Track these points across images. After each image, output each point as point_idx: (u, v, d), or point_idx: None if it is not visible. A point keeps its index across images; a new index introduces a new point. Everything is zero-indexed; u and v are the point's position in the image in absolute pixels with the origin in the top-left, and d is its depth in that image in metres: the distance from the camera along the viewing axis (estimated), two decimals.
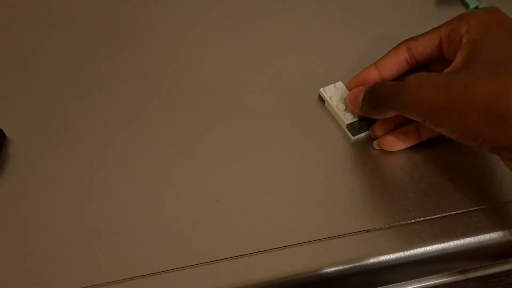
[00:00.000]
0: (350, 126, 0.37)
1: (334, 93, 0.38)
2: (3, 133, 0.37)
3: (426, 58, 0.34)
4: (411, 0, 0.48)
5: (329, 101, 0.38)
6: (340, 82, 0.39)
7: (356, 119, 0.37)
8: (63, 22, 0.46)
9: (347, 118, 0.37)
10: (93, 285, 0.30)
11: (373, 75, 0.36)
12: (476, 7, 0.46)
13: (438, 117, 0.29)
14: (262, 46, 0.44)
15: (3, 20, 0.46)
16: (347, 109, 0.37)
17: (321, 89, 0.39)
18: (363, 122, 0.37)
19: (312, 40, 0.44)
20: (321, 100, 0.39)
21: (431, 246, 0.32)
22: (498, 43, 0.29)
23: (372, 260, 0.31)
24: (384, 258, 0.31)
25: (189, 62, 0.42)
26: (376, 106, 0.33)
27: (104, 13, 0.47)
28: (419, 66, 0.35)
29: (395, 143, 0.36)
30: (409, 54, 0.35)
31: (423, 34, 0.34)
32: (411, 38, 0.35)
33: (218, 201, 0.34)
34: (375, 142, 0.36)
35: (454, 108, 0.28)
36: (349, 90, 0.37)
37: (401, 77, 0.36)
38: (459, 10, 0.47)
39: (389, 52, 0.36)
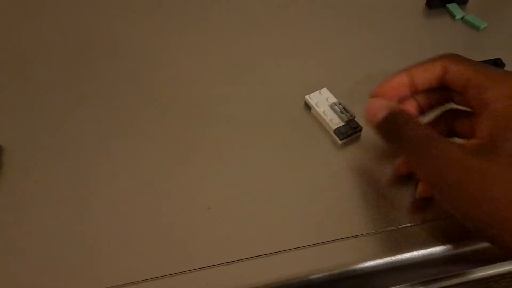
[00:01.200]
0: (338, 131, 0.37)
1: (319, 100, 0.39)
2: None
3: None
4: (398, 8, 0.49)
5: (315, 108, 0.39)
6: (325, 88, 0.40)
7: (342, 124, 0.38)
8: (58, 31, 0.46)
9: (334, 123, 0.38)
10: None
11: (404, 88, 0.34)
12: (462, 18, 0.47)
13: (447, 193, 0.28)
14: (249, 55, 0.44)
15: (3, 28, 0.47)
16: (333, 114, 0.38)
17: (306, 96, 0.40)
18: (350, 125, 0.38)
19: (299, 48, 0.45)
20: (307, 107, 0.40)
21: (418, 251, 0.32)
22: None
23: (360, 266, 0.32)
24: (372, 263, 0.32)
25: (179, 72, 0.43)
26: (388, 139, 0.32)
27: (100, 23, 0.47)
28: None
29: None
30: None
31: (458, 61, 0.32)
32: (451, 58, 0.33)
33: (209, 208, 0.34)
34: (417, 193, 0.35)
35: (468, 190, 0.26)
36: (373, 96, 0.35)
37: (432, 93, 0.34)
38: (446, 20, 0.48)
39: (425, 63, 0.33)
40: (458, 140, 0.33)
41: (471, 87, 0.30)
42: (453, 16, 0.48)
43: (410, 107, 0.35)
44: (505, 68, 0.42)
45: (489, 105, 0.29)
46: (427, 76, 0.33)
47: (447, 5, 0.48)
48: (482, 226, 0.26)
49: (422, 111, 0.35)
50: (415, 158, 0.30)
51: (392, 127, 0.31)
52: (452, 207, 0.28)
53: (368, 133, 0.38)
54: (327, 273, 0.31)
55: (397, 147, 0.31)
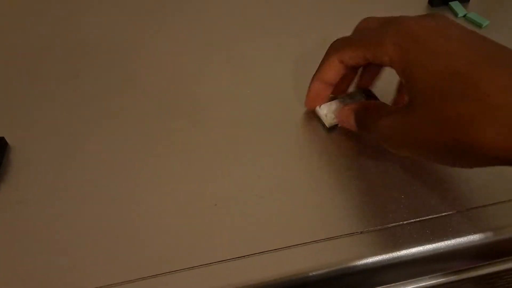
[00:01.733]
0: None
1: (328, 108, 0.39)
2: (5, 140, 0.37)
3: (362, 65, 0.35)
4: (401, 6, 0.49)
5: (323, 117, 0.39)
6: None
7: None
8: (64, 32, 0.47)
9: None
10: (98, 287, 0.30)
11: (324, 89, 0.37)
12: (464, 16, 0.48)
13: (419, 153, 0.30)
14: (254, 56, 0.45)
15: (4, 28, 0.47)
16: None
17: (317, 108, 0.39)
18: None
19: (302, 45, 0.45)
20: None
21: (423, 247, 0.32)
22: (423, 69, 0.29)
23: (365, 261, 0.32)
24: (377, 259, 0.32)
25: (184, 71, 0.43)
26: (366, 131, 0.34)
27: (102, 27, 0.48)
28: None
29: None
30: (344, 64, 0.35)
31: (350, 46, 0.34)
32: (340, 49, 0.35)
33: (216, 204, 0.34)
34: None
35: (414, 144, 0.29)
36: (309, 109, 0.39)
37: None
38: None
39: (323, 63, 0.36)
40: None
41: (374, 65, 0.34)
42: (455, 14, 0.48)
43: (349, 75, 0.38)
44: None
45: (397, 72, 0.31)
46: (355, 60, 0.34)
47: (450, 3, 0.48)
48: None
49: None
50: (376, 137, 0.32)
51: (363, 125, 0.34)
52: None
53: None
54: (333, 269, 0.32)
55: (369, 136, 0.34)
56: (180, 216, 0.34)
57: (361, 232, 0.33)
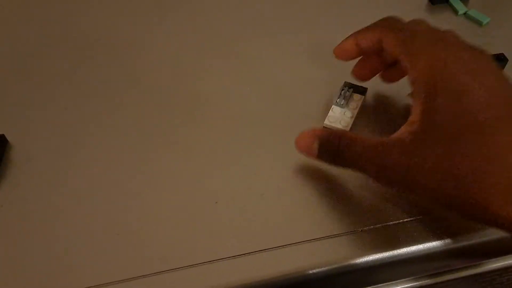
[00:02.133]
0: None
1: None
2: (5, 138, 0.37)
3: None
4: (401, 3, 0.49)
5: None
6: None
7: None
8: (64, 29, 0.47)
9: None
10: (93, 286, 0.30)
11: (351, 51, 0.36)
12: (464, 13, 0.47)
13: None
14: (254, 53, 0.45)
15: (5, 24, 0.47)
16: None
17: (326, 122, 0.39)
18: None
19: (304, 44, 0.45)
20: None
21: (422, 245, 0.32)
22: (449, 99, 0.27)
23: (363, 260, 0.32)
24: (375, 257, 0.32)
25: (185, 68, 0.43)
26: (340, 165, 0.32)
27: (102, 24, 0.47)
28: None
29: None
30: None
31: (392, 29, 0.33)
32: (387, 25, 0.34)
33: (216, 202, 0.34)
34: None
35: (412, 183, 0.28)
36: (337, 58, 0.38)
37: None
38: (449, 15, 0.48)
39: (370, 26, 0.35)
40: None
41: (400, 64, 0.32)
42: (455, 12, 0.48)
43: (373, 62, 0.37)
44: (508, 63, 0.42)
45: (413, 85, 0.30)
46: (368, 41, 0.34)
47: (450, 0, 0.48)
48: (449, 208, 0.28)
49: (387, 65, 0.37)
50: (364, 171, 0.30)
51: (332, 155, 0.32)
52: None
53: (368, 125, 0.39)
54: (327, 268, 0.32)
55: (346, 168, 0.32)
56: (181, 214, 0.34)
57: (361, 230, 0.33)
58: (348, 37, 0.36)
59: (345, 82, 0.40)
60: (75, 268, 0.31)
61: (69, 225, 0.33)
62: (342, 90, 0.40)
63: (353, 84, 0.40)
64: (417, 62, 0.29)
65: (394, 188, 0.32)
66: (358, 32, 0.35)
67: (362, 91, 0.40)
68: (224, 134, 0.38)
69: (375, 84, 0.40)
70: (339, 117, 0.38)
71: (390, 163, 0.28)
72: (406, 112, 0.35)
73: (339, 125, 0.38)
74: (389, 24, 0.34)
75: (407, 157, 0.27)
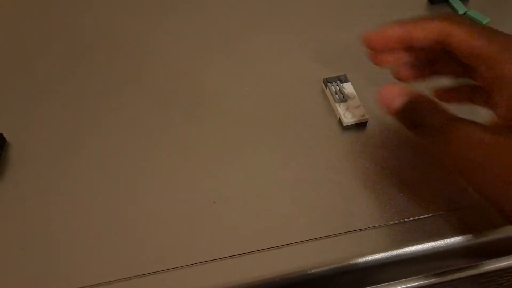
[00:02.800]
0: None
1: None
2: (3, 137, 0.37)
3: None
4: (401, 3, 0.49)
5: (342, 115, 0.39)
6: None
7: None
8: (63, 28, 0.46)
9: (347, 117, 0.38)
10: (92, 285, 0.30)
11: (395, 41, 0.32)
12: (464, 13, 0.47)
13: (472, 176, 0.27)
14: (254, 50, 0.45)
15: (4, 23, 0.47)
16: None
17: (345, 121, 0.38)
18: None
19: (301, 42, 0.45)
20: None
21: (423, 245, 0.32)
22: None
23: (364, 259, 0.32)
24: (376, 257, 0.32)
25: (185, 67, 0.43)
26: (412, 128, 0.30)
27: (101, 22, 0.47)
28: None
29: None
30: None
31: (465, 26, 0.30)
32: (455, 20, 0.30)
33: (215, 202, 0.34)
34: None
35: (493, 170, 0.26)
36: (365, 43, 0.34)
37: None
38: None
39: (424, 19, 0.31)
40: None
41: (480, 60, 0.28)
42: (455, 12, 0.48)
43: (404, 68, 0.35)
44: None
45: (505, 82, 0.27)
46: (424, 35, 0.31)
47: (450, 0, 0.48)
48: (509, 209, 0.26)
49: (419, 75, 0.35)
50: (439, 145, 0.28)
51: (412, 115, 0.30)
52: (480, 191, 0.27)
53: (374, 123, 0.39)
54: (332, 267, 0.32)
55: (419, 134, 0.30)
56: (179, 214, 0.34)
57: (360, 230, 0.33)
58: (391, 24, 0.32)
59: (323, 79, 0.41)
60: (72, 267, 0.31)
61: (66, 224, 0.33)
62: (329, 87, 0.40)
63: (331, 77, 0.41)
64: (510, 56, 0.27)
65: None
66: (409, 22, 0.31)
67: (344, 79, 0.40)
68: (222, 133, 0.38)
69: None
70: (351, 110, 0.39)
71: (469, 141, 0.27)
72: None
73: (360, 117, 0.38)
74: (453, 17, 0.30)
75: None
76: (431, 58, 0.34)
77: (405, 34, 0.32)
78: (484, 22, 0.46)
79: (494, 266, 0.40)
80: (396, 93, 0.31)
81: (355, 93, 0.40)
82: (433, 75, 0.35)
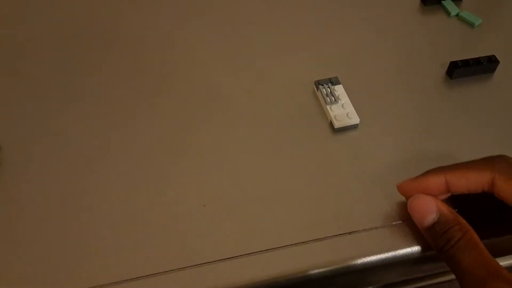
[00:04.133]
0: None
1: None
2: None
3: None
4: (394, 4, 0.49)
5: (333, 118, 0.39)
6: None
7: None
8: (53, 29, 0.46)
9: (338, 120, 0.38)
10: None
11: (437, 191, 0.31)
12: (457, 14, 0.47)
13: None
14: (248, 50, 0.45)
15: None
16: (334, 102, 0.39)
17: (336, 124, 0.38)
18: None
19: (291, 44, 0.45)
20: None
21: (411, 248, 0.32)
22: None
23: (355, 262, 0.32)
24: (367, 259, 0.32)
25: (175, 67, 0.43)
26: (440, 253, 0.29)
27: (93, 20, 0.47)
28: None
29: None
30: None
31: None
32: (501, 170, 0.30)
33: (204, 205, 0.34)
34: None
35: None
36: (402, 193, 0.33)
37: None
38: (442, 17, 0.48)
39: (467, 169, 0.31)
40: None
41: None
42: (448, 13, 0.48)
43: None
44: (500, 65, 0.42)
45: None
46: (466, 186, 0.30)
47: (442, 1, 0.48)
48: None
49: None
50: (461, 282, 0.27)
51: (442, 240, 0.29)
52: None
53: (365, 126, 0.39)
54: (323, 270, 0.31)
55: (446, 263, 0.29)
56: (168, 217, 0.34)
57: (350, 233, 0.33)
58: (430, 172, 0.32)
59: (314, 81, 0.41)
60: (65, 270, 0.31)
61: (59, 227, 0.33)
62: (321, 89, 0.40)
63: (322, 80, 0.41)
64: None
65: None
66: (447, 170, 0.31)
67: (335, 81, 0.41)
68: (211, 135, 0.38)
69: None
70: (342, 112, 0.39)
71: None
72: None
73: (351, 119, 0.38)
74: (500, 167, 0.30)
75: None
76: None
77: (445, 185, 0.31)
78: (477, 23, 0.46)
79: None
80: (430, 209, 0.30)
81: (346, 95, 0.40)
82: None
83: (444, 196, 0.32)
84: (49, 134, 0.38)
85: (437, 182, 0.31)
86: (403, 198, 0.34)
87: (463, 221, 0.30)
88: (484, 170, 0.30)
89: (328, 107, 0.39)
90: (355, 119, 0.38)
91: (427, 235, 0.31)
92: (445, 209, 0.30)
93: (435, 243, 0.30)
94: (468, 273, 0.27)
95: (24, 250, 0.32)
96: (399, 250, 0.32)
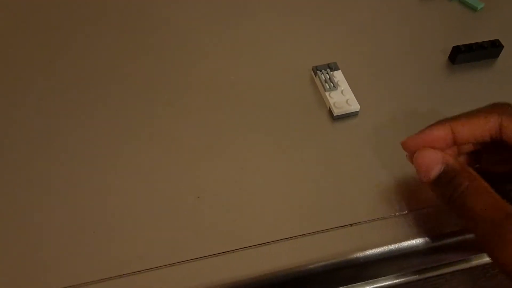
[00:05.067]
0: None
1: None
2: None
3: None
4: None
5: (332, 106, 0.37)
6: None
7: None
8: (60, 23, 0.45)
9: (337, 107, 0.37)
10: (68, 287, 0.29)
11: (442, 143, 0.30)
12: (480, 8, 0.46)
13: None
14: (240, 37, 0.44)
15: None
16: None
17: (336, 111, 0.37)
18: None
19: (293, 25, 0.44)
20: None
21: (415, 240, 0.31)
22: None
23: (356, 255, 0.31)
24: (369, 252, 0.31)
25: (169, 53, 0.42)
26: (448, 203, 0.28)
27: (91, 12, 0.46)
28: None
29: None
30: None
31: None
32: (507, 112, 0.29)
33: (199, 197, 0.33)
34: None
35: None
36: (406, 149, 0.31)
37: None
38: (443, 1, 0.46)
39: (472, 116, 0.30)
40: None
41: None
42: (473, 9, 0.46)
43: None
44: (504, 50, 0.41)
45: None
46: (473, 133, 0.29)
47: None
48: None
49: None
50: (481, 236, 0.26)
51: (449, 190, 0.28)
52: None
53: (365, 113, 0.38)
54: (324, 263, 0.31)
55: (457, 214, 0.28)
56: (161, 209, 0.32)
57: (351, 225, 0.32)
58: (435, 123, 0.30)
59: (312, 67, 0.39)
60: (54, 265, 0.30)
61: (44, 223, 0.32)
62: (319, 75, 0.39)
63: (321, 65, 0.39)
64: None
65: None
66: (452, 120, 0.30)
67: (334, 66, 0.39)
68: (207, 124, 0.37)
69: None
70: (342, 99, 0.37)
71: None
72: None
73: (351, 106, 0.37)
74: (507, 110, 0.29)
75: None
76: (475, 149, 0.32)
77: (451, 135, 0.30)
78: (479, 7, 0.45)
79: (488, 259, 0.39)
80: (435, 160, 0.29)
81: (346, 81, 0.38)
82: (478, 164, 0.33)
83: (451, 151, 0.31)
84: (31, 127, 0.37)
85: (442, 132, 0.30)
86: (405, 189, 0.33)
87: (470, 169, 0.28)
88: (490, 114, 0.29)
89: (327, 93, 0.38)
90: (355, 106, 0.37)
91: (434, 189, 0.29)
92: (451, 159, 0.29)
93: (442, 194, 0.28)
94: (482, 218, 0.26)
95: (6, 248, 0.31)
96: (399, 243, 0.31)
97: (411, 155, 0.31)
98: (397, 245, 0.31)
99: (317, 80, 0.39)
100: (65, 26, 0.44)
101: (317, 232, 0.31)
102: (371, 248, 0.31)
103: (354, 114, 0.37)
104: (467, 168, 0.28)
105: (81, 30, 0.44)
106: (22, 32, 0.43)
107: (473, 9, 0.46)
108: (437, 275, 0.39)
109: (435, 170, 0.29)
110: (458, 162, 0.29)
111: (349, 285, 0.34)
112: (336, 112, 0.37)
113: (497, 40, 0.41)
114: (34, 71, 0.40)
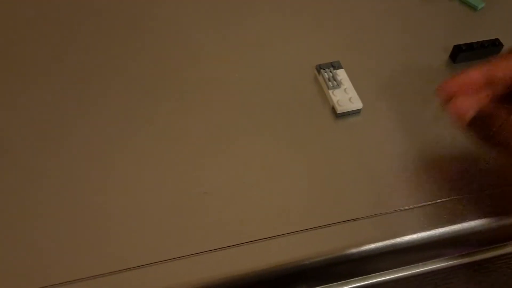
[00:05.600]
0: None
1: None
2: None
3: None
4: None
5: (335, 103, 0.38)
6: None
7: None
8: (64, 20, 0.45)
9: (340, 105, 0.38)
10: (77, 279, 0.30)
11: (478, 86, 0.30)
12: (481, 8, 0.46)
13: None
14: (244, 35, 0.44)
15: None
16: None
17: (339, 109, 0.38)
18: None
19: (297, 24, 0.45)
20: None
21: (417, 234, 0.32)
22: None
23: (358, 249, 0.31)
24: (370, 247, 0.32)
25: (171, 51, 0.42)
26: (485, 140, 0.29)
27: (98, 9, 0.46)
28: None
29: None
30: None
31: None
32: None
33: (205, 192, 0.33)
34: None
35: None
36: (443, 94, 0.32)
37: None
38: (444, 4, 0.47)
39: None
40: None
41: None
42: (474, 8, 0.47)
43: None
44: (503, 49, 0.42)
45: None
46: (508, 68, 0.30)
47: None
48: None
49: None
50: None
51: (486, 128, 0.29)
52: None
53: (368, 111, 0.38)
54: (326, 257, 0.31)
55: (497, 150, 0.29)
56: (168, 204, 0.33)
57: (354, 220, 0.32)
58: (469, 71, 0.31)
59: (316, 66, 0.40)
60: (58, 260, 0.30)
61: (56, 217, 0.32)
62: (322, 74, 0.39)
63: (324, 64, 0.40)
64: None
65: None
66: (487, 64, 0.30)
67: (337, 65, 0.40)
68: (212, 122, 0.37)
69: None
70: (345, 97, 0.38)
71: None
72: None
73: (354, 104, 0.37)
74: None
75: None
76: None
77: (487, 77, 0.30)
78: (480, 6, 0.46)
79: (488, 254, 0.40)
80: (469, 105, 0.30)
81: (349, 80, 0.39)
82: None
83: (485, 93, 0.31)
84: (28, 125, 0.37)
85: (478, 74, 0.30)
86: (406, 185, 0.34)
87: (505, 106, 0.29)
88: None
89: (330, 92, 0.38)
90: (358, 104, 0.37)
91: (471, 129, 0.30)
92: (486, 101, 0.30)
93: (480, 133, 0.29)
94: None
95: (14, 248, 0.31)
96: (397, 238, 0.32)
97: (447, 100, 0.31)
98: (397, 240, 0.32)
99: (320, 78, 0.40)
100: (70, 23, 0.44)
101: (320, 226, 0.32)
102: (372, 242, 0.31)
103: (356, 112, 0.38)
104: (502, 107, 0.29)
105: (87, 28, 0.44)
106: (27, 28, 0.44)
107: (474, 8, 0.46)
108: (437, 270, 0.39)
109: (471, 112, 0.29)
110: (492, 103, 0.30)
111: (354, 278, 0.35)
112: (339, 109, 0.37)
113: (497, 40, 0.42)
114: (37, 68, 0.41)
